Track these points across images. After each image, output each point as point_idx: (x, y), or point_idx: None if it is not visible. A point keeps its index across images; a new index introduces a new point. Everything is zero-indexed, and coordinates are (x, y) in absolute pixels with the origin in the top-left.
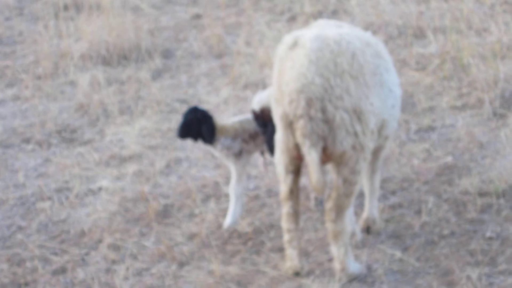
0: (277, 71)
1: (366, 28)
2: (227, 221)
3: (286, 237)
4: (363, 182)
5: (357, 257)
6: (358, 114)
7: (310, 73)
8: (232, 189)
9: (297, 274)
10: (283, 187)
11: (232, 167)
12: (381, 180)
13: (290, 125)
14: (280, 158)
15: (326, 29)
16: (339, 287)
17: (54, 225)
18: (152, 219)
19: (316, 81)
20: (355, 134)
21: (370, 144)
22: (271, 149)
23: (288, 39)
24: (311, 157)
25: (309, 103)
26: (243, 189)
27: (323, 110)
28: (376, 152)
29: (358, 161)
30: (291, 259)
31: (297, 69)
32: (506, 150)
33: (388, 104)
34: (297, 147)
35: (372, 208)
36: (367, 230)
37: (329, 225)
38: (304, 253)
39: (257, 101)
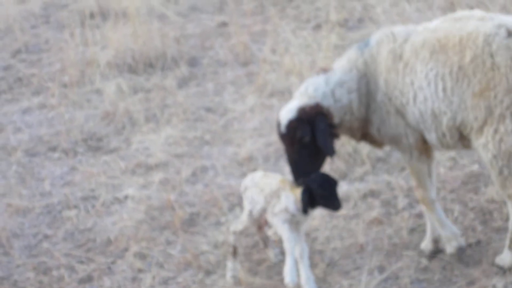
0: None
1: None
2: (293, 280)
3: None
4: None
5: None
6: None
7: None
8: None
9: None
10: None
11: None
12: (406, 189)
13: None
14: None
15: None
16: None
17: (80, 234)
18: (178, 228)
19: None
20: None
21: None
22: (328, 149)
23: (495, 30)
24: None
25: None
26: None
27: None
28: None
29: None
30: None
31: None
32: None
33: None
34: None
35: None
36: None
37: None
38: (330, 262)
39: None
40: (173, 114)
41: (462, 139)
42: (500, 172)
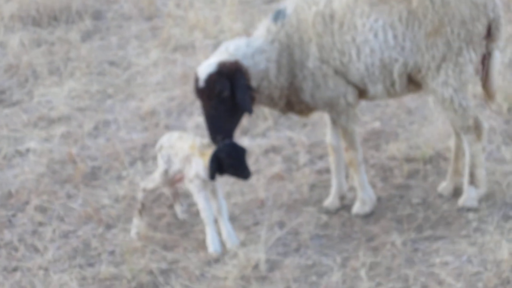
0: None
1: None
2: (217, 248)
3: None
4: None
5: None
6: None
7: None
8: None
9: None
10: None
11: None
12: (308, 145)
13: None
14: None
15: None
16: (264, 252)
17: None
18: (80, 181)
19: None
20: None
21: None
22: (246, 105)
23: None
24: None
25: None
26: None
27: None
28: None
29: None
30: None
31: None
32: (433, 116)
33: None
34: None
35: None
36: None
37: None
38: (230, 217)
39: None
40: (76, 67)
41: (410, 85)
42: (460, 105)
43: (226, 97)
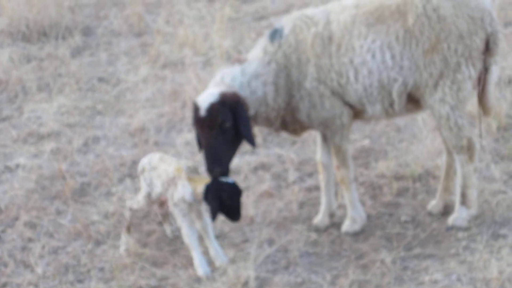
0: None
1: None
2: (206, 271)
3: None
4: None
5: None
6: None
7: None
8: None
9: None
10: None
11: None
12: (297, 163)
13: None
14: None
15: None
16: (253, 269)
17: None
18: (69, 197)
19: None
20: None
21: None
22: (250, 139)
23: None
24: None
25: None
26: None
27: None
28: None
29: None
30: None
31: None
32: (422, 134)
33: None
34: None
35: None
36: None
37: None
38: (220, 234)
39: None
40: (66, 83)
41: (409, 103)
42: (455, 123)
43: (228, 127)
